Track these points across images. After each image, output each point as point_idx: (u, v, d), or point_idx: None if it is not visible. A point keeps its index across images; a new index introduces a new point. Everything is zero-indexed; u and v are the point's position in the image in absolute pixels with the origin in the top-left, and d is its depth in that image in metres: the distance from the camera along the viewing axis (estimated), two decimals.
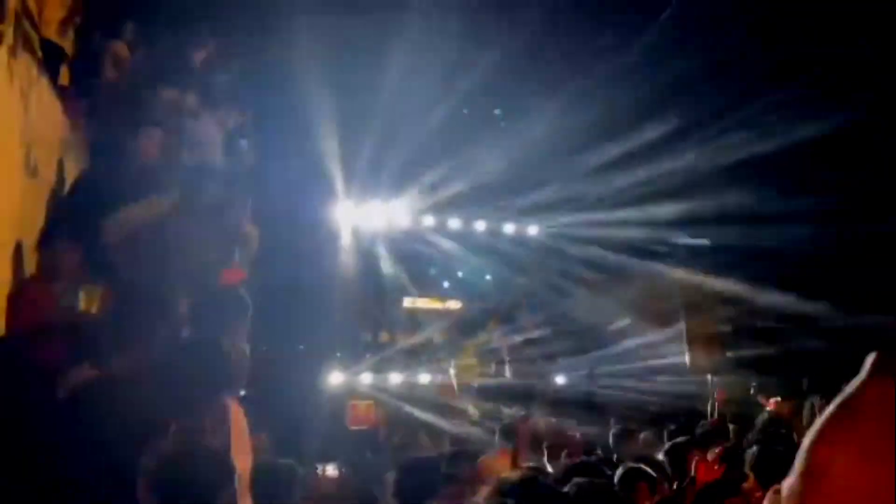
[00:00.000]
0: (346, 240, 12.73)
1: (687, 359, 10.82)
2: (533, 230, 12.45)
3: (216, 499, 2.87)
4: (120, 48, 7.41)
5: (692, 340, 10.86)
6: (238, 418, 3.21)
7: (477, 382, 12.52)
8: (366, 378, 12.47)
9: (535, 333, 13.05)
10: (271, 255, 7.55)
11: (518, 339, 13.14)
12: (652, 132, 10.17)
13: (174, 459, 2.86)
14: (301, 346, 12.18)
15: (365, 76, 10.53)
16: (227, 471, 2.93)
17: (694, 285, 11.15)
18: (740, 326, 10.94)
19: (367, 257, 13.35)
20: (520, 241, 12.68)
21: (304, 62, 9.54)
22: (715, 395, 9.82)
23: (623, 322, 12.48)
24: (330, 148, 11.43)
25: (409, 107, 10.68)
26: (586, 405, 11.65)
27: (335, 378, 12.51)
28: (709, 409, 9.38)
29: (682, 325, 11.04)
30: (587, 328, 13.01)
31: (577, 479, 3.34)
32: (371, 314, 13.77)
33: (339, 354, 13.19)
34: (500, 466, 5.14)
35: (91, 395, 2.73)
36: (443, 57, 9.75)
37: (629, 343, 12.10)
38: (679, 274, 11.39)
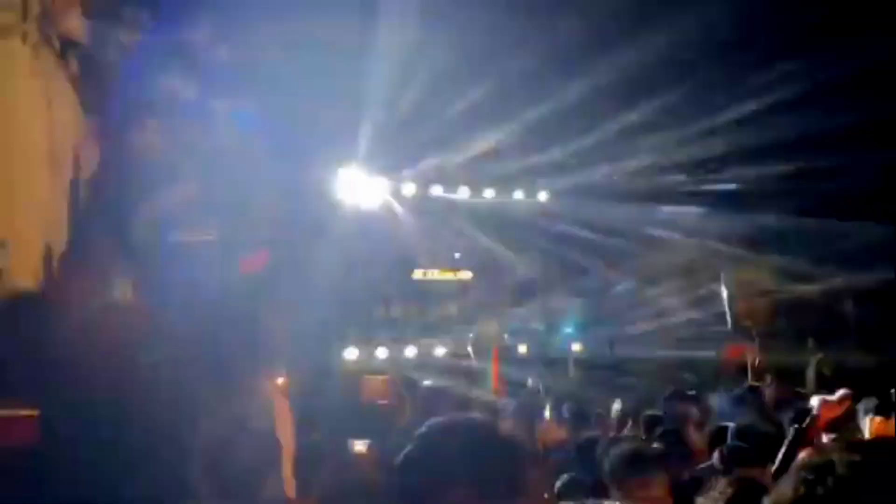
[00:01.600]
0: (353, 212, 12.90)
1: (728, 319, 10.86)
2: (543, 196, 12.61)
3: (265, 476, 3.15)
4: (123, 34, 7.62)
5: (734, 298, 10.87)
6: (281, 402, 3.49)
7: (496, 350, 12.75)
8: (381, 352, 12.71)
9: (554, 301, 13.30)
10: (279, 230, 7.77)
11: (537, 307, 13.41)
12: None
13: (226, 442, 3.13)
14: (314, 323, 12.39)
15: (371, 41, 10.67)
16: (275, 450, 3.21)
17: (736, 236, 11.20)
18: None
19: (375, 230, 13.55)
20: (530, 207, 12.87)
21: (308, 30, 9.69)
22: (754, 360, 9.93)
23: (646, 285, 12.72)
24: (336, 118, 11.54)
25: (417, 74, 10.84)
26: (609, 371, 11.89)
27: (350, 354, 12.77)
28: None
29: (719, 286, 11.05)
30: (607, 293, 13.25)
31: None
32: (382, 288, 13.99)
33: (351, 330, 13.47)
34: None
35: (155, 377, 3.00)
36: (452, 20, 9.88)
37: (653, 307, 12.32)
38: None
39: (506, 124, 11.75)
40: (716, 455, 3.67)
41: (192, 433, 2.98)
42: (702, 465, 3.97)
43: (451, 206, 13.12)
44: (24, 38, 3.99)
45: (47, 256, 4.48)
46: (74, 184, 5.12)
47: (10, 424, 2.48)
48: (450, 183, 12.74)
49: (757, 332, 10.17)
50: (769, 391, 7.48)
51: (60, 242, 4.62)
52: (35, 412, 2.52)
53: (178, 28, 7.77)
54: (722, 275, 11.03)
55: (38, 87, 4.27)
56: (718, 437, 4.23)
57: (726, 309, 10.81)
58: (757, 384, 7.67)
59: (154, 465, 2.84)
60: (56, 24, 4.84)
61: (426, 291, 14.11)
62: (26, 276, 3.74)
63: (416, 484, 1.79)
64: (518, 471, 1.84)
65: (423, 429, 1.85)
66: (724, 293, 10.84)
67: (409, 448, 1.82)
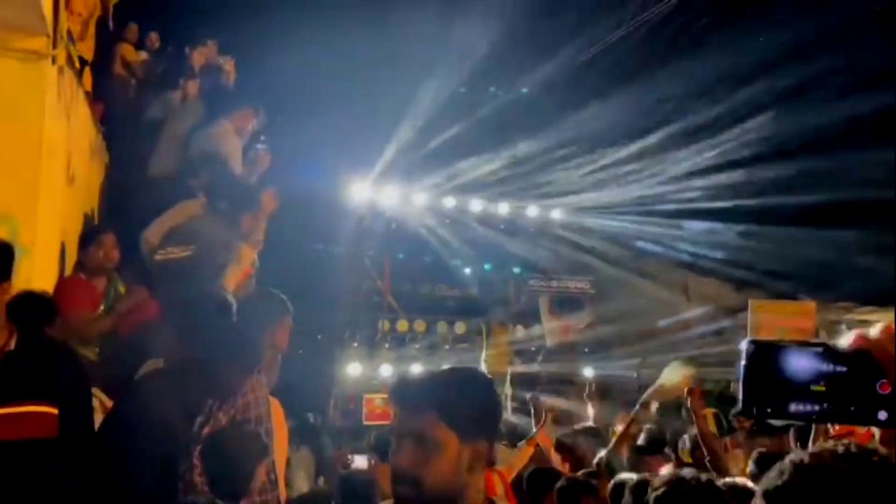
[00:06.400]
0: (362, 224, 13.54)
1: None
2: (557, 214, 13.16)
3: (254, 470, 3.82)
4: (127, 50, 8.48)
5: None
6: (277, 411, 4.18)
7: (509, 371, 13.26)
8: (385, 370, 13.13)
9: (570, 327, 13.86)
10: (286, 239, 8.41)
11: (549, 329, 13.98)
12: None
13: (218, 438, 3.81)
14: (319, 336, 13.04)
15: (384, 56, 11.45)
16: (263, 447, 3.88)
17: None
18: None
19: (384, 243, 14.21)
20: (545, 226, 13.45)
21: (318, 44, 10.50)
22: None
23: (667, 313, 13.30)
24: (344, 129, 12.28)
25: (428, 87, 11.60)
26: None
27: (353, 369, 13.31)
28: None
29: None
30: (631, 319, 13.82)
31: None
32: (387, 302, 14.58)
33: (356, 343, 14.10)
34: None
35: (151, 386, 3.68)
36: (464, 36, 10.65)
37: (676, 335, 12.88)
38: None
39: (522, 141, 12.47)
40: None
41: (187, 428, 3.66)
42: None
43: (464, 220, 13.68)
44: (53, 60, 4.74)
45: (60, 261, 5.26)
46: (82, 193, 5.92)
47: (33, 419, 3.14)
48: (463, 197, 13.26)
49: None
50: None
51: (70, 249, 5.41)
52: (55, 409, 3.18)
53: (185, 46, 8.60)
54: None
55: (62, 106, 5.03)
56: None
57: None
58: None
59: (153, 459, 3.51)
60: (75, 45, 5.62)
61: (432, 307, 14.67)
62: (45, 284, 4.46)
63: None
64: None
65: None
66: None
67: None
